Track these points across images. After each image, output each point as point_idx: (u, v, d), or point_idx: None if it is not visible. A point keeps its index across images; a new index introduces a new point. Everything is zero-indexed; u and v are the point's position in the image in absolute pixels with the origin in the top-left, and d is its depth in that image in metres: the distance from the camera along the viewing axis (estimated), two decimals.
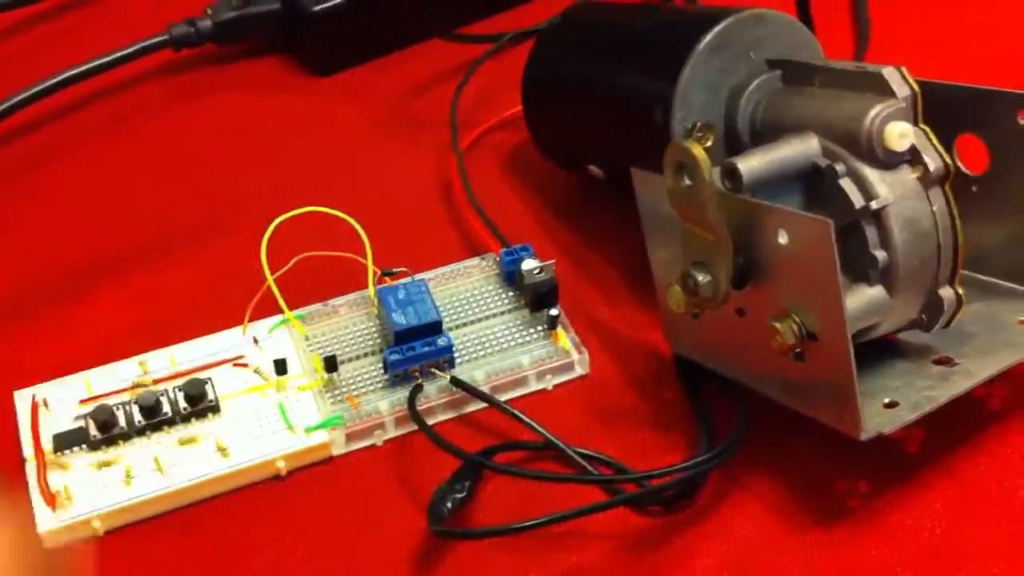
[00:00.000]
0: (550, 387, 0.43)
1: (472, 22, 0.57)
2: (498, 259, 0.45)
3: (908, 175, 0.37)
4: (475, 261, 0.46)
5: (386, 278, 0.44)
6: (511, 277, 0.45)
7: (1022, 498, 0.38)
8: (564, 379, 0.43)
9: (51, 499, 0.39)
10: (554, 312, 0.43)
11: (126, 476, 0.40)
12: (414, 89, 0.55)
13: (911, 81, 0.37)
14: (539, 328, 0.43)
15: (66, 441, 0.41)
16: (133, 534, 0.39)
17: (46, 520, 0.39)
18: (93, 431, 0.41)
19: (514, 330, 0.43)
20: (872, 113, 0.37)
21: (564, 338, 0.43)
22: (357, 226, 0.43)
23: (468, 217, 0.48)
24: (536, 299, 0.43)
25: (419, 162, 0.52)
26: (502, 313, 0.44)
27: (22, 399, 0.42)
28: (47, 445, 0.41)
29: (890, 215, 0.37)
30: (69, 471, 0.40)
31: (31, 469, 0.40)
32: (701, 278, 0.37)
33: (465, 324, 0.44)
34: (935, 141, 0.37)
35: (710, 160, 0.36)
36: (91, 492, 0.39)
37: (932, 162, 0.37)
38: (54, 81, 0.53)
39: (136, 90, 0.56)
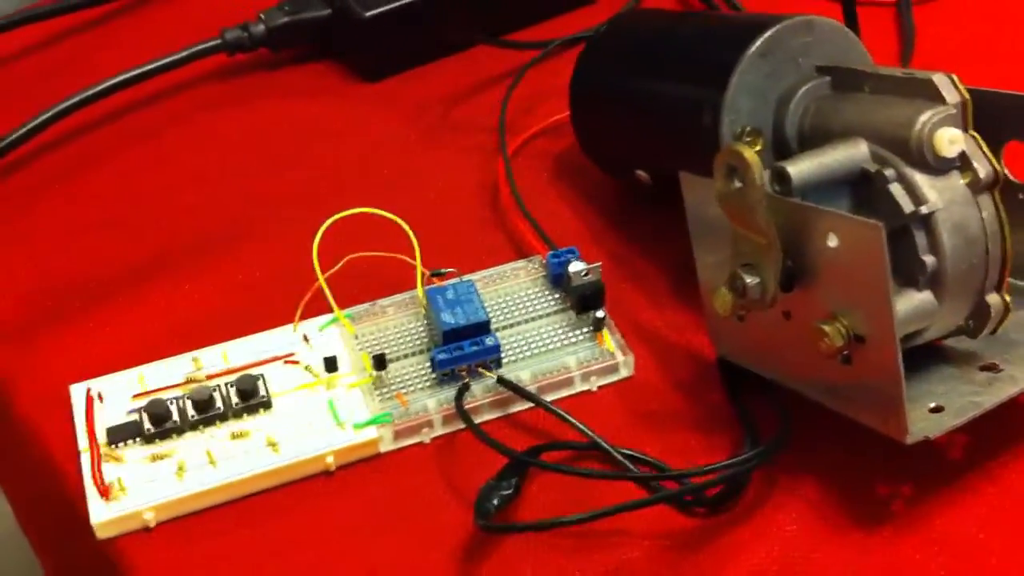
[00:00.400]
0: (595, 388, 0.43)
1: (519, 29, 0.58)
2: (544, 262, 0.46)
3: (958, 181, 0.37)
4: (522, 263, 0.47)
5: (434, 279, 0.45)
6: (557, 279, 0.45)
7: None
8: (609, 380, 0.43)
9: (105, 491, 0.40)
10: (600, 314, 0.43)
11: (178, 469, 0.41)
12: (461, 94, 0.56)
13: (961, 87, 0.37)
14: (585, 330, 0.44)
15: (120, 434, 0.41)
16: (184, 526, 0.40)
17: (99, 511, 0.40)
18: (147, 424, 0.41)
19: (560, 331, 0.44)
20: (922, 119, 0.37)
21: (609, 340, 0.44)
22: (406, 227, 0.44)
23: (515, 220, 0.49)
24: (582, 301, 0.44)
25: (466, 166, 0.52)
26: (548, 315, 0.45)
27: (77, 392, 0.43)
28: (101, 438, 0.41)
29: (939, 221, 0.37)
30: (123, 463, 0.41)
31: (85, 461, 0.41)
32: (749, 280, 0.37)
33: (512, 325, 0.44)
34: (985, 148, 0.38)
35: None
36: (144, 484, 0.40)
37: (982, 168, 0.37)
38: (108, 84, 0.55)
39: (191, 93, 0.57)
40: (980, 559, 0.37)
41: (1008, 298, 0.38)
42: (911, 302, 0.37)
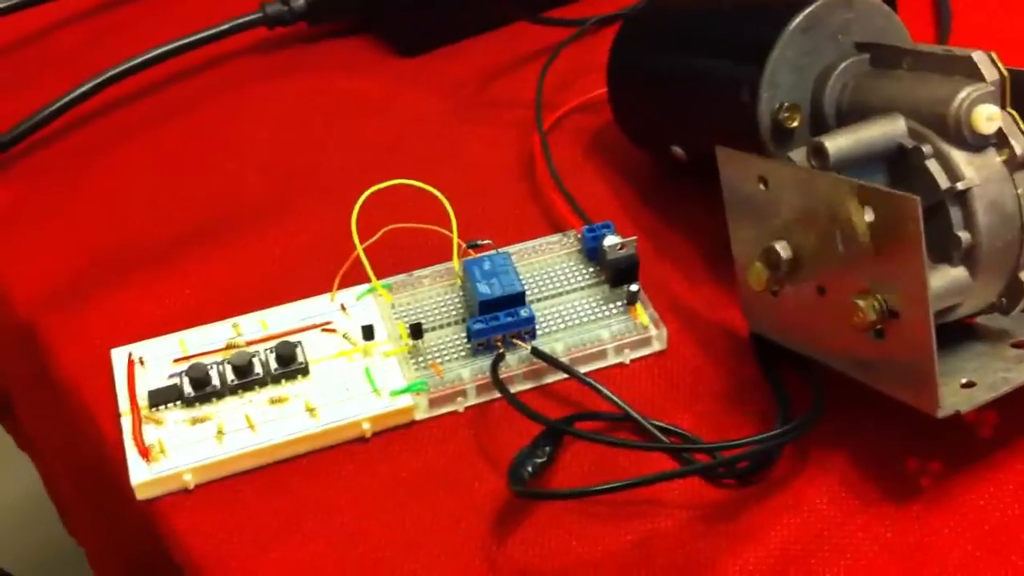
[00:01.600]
0: (628, 361, 0.44)
1: (557, 6, 0.58)
2: (580, 236, 0.46)
3: (994, 158, 0.37)
4: (557, 237, 0.47)
5: (471, 251, 0.45)
6: (592, 253, 0.45)
7: None
8: (642, 354, 0.44)
9: (145, 452, 0.41)
10: (634, 288, 0.44)
11: (218, 432, 0.41)
12: (499, 70, 0.57)
13: (1000, 65, 0.38)
14: (619, 303, 0.44)
15: (161, 397, 0.42)
16: (222, 488, 0.41)
17: (140, 472, 0.40)
18: (187, 388, 0.42)
19: (594, 305, 0.44)
20: (961, 95, 0.37)
21: (643, 314, 0.44)
22: (444, 199, 0.44)
23: (550, 195, 0.49)
24: (617, 275, 0.44)
25: (503, 141, 0.53)
26: (583, 288, 0.45)
27: (119, 356, 0.44)
28: (142, 401, 0.42)
29: (975, 197, 0.37)
30: (163, 426, 0.42)
31: (126, 423, 0.42)
32: (784, 254, 0.38)
33: (546, 298, 0.45)
34: (1022, 125, 0.38)
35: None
36: (184, 447, 0.41)
37: (1019, 146, 0.37)
38: (150, 56, 0.55)
39: (229, 66, 0.58)
40: (1010, 535, 0.38)
41: None
42: (945, 277, 0.37)
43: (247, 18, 0.57)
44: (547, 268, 0.46)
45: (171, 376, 0.43)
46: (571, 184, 0.49)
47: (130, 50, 0.55)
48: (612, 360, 0.43)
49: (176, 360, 0.43)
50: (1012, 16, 0.56)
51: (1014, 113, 0.38)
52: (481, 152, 0.53)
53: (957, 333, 0.39)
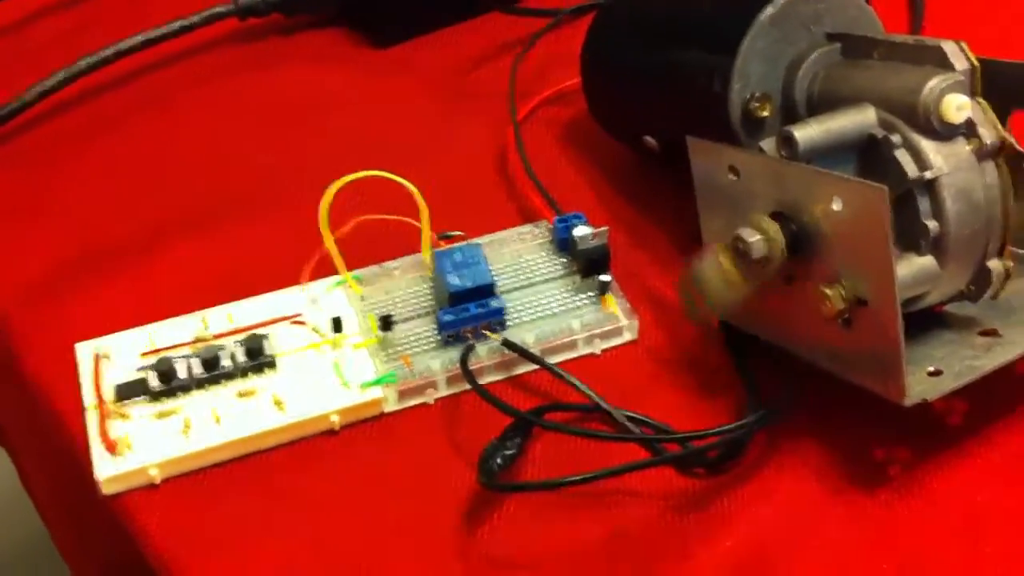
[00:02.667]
0: (599, 352, 0.43)
1: None
2: (551, 226, 0.46)
3: (963, 148, 0.37)
4: (528, 228, 0.47)
5: (441, 242, 0.45)
6: (564, 244, 0.45)
7: None
8: (613, 344, 0.43)
9: (111, 447, 0.40)
10: (605, 278, 0.44)
11: (184, 427, 0.41)
12: (473, 61, 0.56)
13: (970, 55, 0.38)
14: (590, 294, 0.44)
15: (127, 391, 0.42)
16: (189, 483, 0.40)
17: (105, 467, 0.40)
18: (154, 382, 0.42)
19: (565, 295, 0.44)
20: (930, 85, 0.37)
21: (614, 304, 0.44)
22: (414, 190, 0.44)
23: (523, 185, 0.49)
24: (588, 265, 0.44)
25: (476, 131, 0.52)
26: (554, 278, 0.45)
27: (85, 351, 0.43)
28: (108, 395, 0.42)
29: (943, 186, 0.37)
30: (129, 420, 0.41)
31: (92, 418, 0.41)
32: (751, 241, 0.37)
33: (517, 288, 0.44)
34: (991, 115, 0.38)
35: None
36: (150, 441, 0.40)
37: (988, 135, 0.37)
38: (122, 47, 0.55)
39: (202, 58, 0.57)
40: (978, 522, 0.38)
41: (1009, 264, 0.38)
42: (913, 266, 0.37)
43: (218, 9, 0.56)
44: (518, 259, 0.45)
45: (138, 370, 0.42)
46: (544, 174, 0.49)
47: (103, 41, 0.55)
48: (583, 351, 0.43)
49: (143, 354, 0.43)
50: (984, 5, 0.56)
51: (983, 102, 0.38)
52: (454, 143, 0.52)
53: (925, 321, 0.39)
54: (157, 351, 0.43)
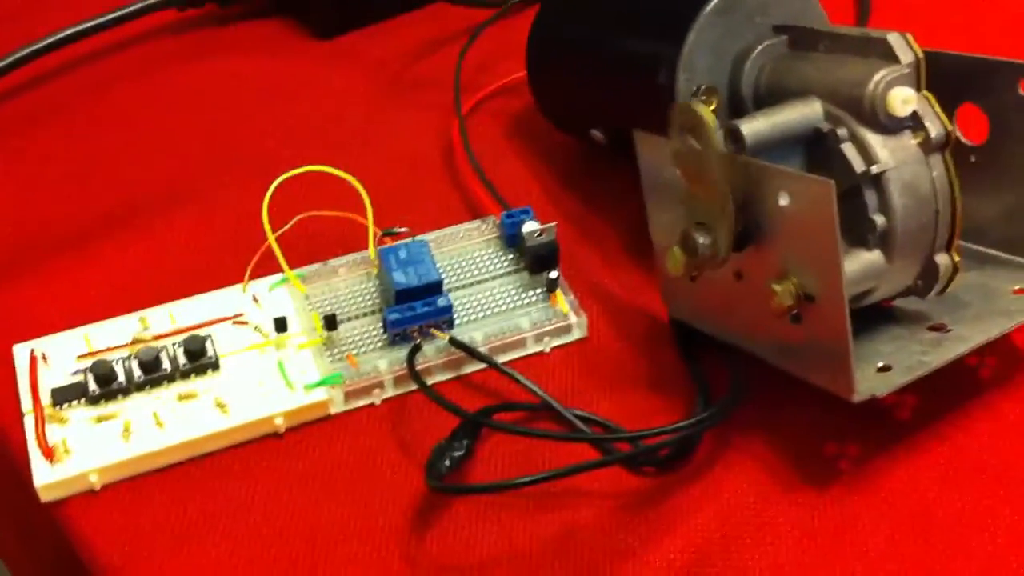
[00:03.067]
0: (548, 349, 0.43)
1: None
2: (499, 222, 0.45)
3: (909, 141, 0.37)
4: (476, 223, 0.46)
5: (387, 238, 0.44)
6: (512, 240, 0.45)
7: (1011, 464, 0.39)
8: (562, 342, 0.43)
9: (49, 452, 0.39)
10: (553, 275, 0.43)
11: (124, 431, 0.40)
12: (417, 52, 0.55)
13: (915, 47, 0.37)
14: (538, 291, 0.44)
15: (65, 395, 0.41)
16: (130, 489, 0.39)
17: (43, 473, 0.39)
18: (92, 385, 0.41)
19: (513, 292, 0.44)
20: (876, 78, 0.37)
21: (563, 301, 0.43)
22: (358, 186, 0.43)
23: (469, 180, 0.48)
24: (536, 261, 0.43)
25: (421, 125, 0.52)
26: (502, 275, 0.44)
27: (21, 353, 0.42)
28: (45, 399, 0.41)
29: (890, 180, 0.37)
30: (67, 425, 0.40)
31: (29, 423, 0.40)
32: (701, 239, 0.37)
33: (465, 286, 0.44)
34: (937, 108, 0.37)
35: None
36: (89, 446, 0.40)
37: (933, 128, 0.37)
38: (57, 38, 0.54)
39: (139, 49, 0.56)
40: (928, 518, 0.38)
41: (957, 258, 0.38)
42: (860, 261, 0.37)
43: None
44: (465, 255, 0.45)
45: (75, 373, 0.41)
46: (491, 169, 0.48)
47: (38, 31, 0.53)
48: (532, 348, 0.43)
49: (80, 356, 0.42)
50: None
51: (929, 95, 0.38)
52: (399, 137, 0.52)
53: (874, 316, 0.39)
54: (95, 353, 0.42)
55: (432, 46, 0.56)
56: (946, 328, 0.39)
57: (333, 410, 0.41)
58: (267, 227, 0.42)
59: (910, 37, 0.38)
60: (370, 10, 0.57)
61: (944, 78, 0.39)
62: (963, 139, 0.41)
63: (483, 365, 0.42)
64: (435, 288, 0.42)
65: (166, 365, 0.41)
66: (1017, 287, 0.40)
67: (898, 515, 0.38)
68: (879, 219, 0.37)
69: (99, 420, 0.40)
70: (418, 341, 0.42)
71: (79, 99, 0.54)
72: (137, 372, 0.41)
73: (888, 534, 0.37)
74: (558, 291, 0.43)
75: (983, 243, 0.42)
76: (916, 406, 0.40)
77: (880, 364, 0.37)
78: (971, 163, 0.41)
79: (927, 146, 0.37)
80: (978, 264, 0.41)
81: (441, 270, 0.43)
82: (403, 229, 0.45)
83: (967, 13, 0.56)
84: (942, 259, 0.38)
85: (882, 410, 0.40)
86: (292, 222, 0.43)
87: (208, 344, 0.42)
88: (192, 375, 0.41)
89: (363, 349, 0.42)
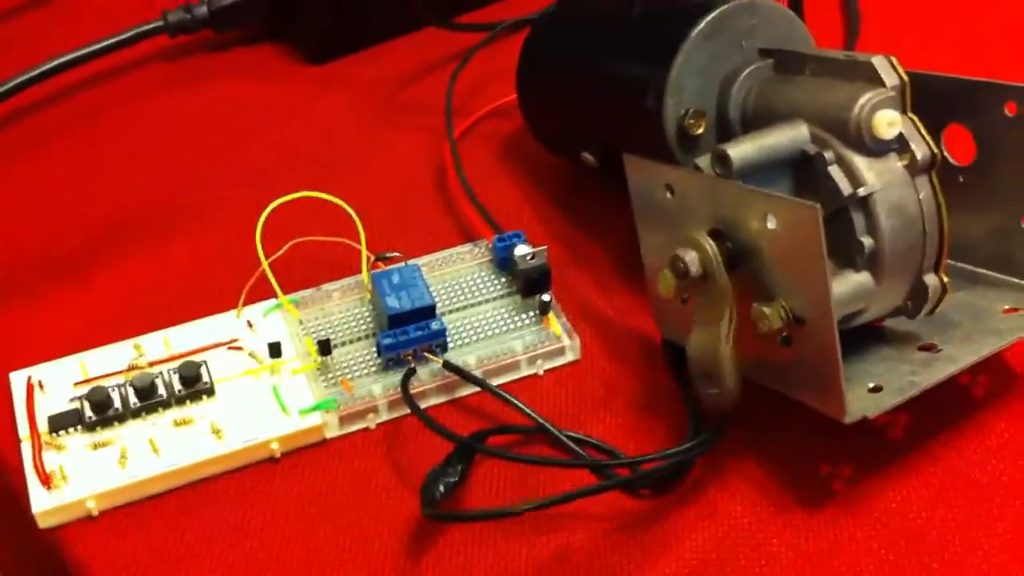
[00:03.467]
0: (541, 372, 0.43)
1: (467, 11, 0.58)
2: (491, 245, 0.46)
3: (895, 163, 0.38)
4: (468, 247, 0.46)
5: (380, 263, 0.45)
6: (504, 263, 0.45)
7: (1004, 483, 0.39)
8: (555, 364, 0.43)
9: (46, 479, 0.39)
10: (546, 298, 0.43)
11: (121, 457, 0.40)
12: (409, 77, 0.56)
13: (900, 70, 0.38)
14: (531, 314, 0.44)
15: (61, 422, 0.41)
16: (127, 515, 0.39)
17: (41, 500, 0.39)
18: (88, 412, 0.41)
19: (506, 315, 0.44)
20: (861, 101, 0.37)
21: (556, 324, 0.44)
22: (351, 211, 0.44)
23: (461, 204, 0.49)
24: (528, 285, 0.44)
25: (413, 149, 0.52)
26: (494, 299, 0.44)
27: (17, 380, 0.42)
28: (42, 426, 0.41)
29: (877, 202, 0.37)
30: (64, 452, 0.40)
31: (27, 449, 0.40)
32: (690, 262, 0.37)
33: (458, 309, 0.44)
34: (923, 130, 0.38)
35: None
36: (86, 473, 0.40)
37: (919, 150, 0.38)
38: (50, 66, 0.54)
39: (132, 75, 0.57)
40: (921, 537, 0.38)
41: (946, 279, 0.38)
42: (849, 283, 0.37)
43: (148, 26, 0.55)
44: (458, 279, 0.45)
45: (71, 400, 0.42)
46: (483, 192, 0.49)
47: (32, 60, 0.54)
48: (525, 371, 0.43)
49: (76, 383, 0.42)
50: (920, 18, 0.57)
51: (915, 118, 0.38)
52: (391, 161, 0.52)
53: (864, 337, 0.40)
54: (90, 380, 0.42)
55: (423, 70, 0.56)
56: (936, 348, 0.39)
57: (328, 435, 0.41)
58: (260, 252, 0.43)
59: (895, 60, 0.38)
60: (361, 35, 0.57)
61: (930, 99, 0.39)
62: (951, 159, 0.42)
63: (477, 388, 0.42)
64: (428, 312, 0.42)
65: (162, 391, 0.41)
66: (1007, 306, 0.40)
67: (892, 535, 0.38)
68: (867, 241, 0.37)
69: (96, 447, 0.40)
70: (412, 365, 0.42)
71: (73, 125, 0.54)
72: (133, 399, 0.41)
73: (882, 554, 0.37)
74: (551, 314, 0.44)
75: (972, 262, 0.42)
76: (908, 425, 0.40)
77: (871, 385, 0.38)
78: (959, 183, 0.41)
79: (913, 168, 0.38)
80: (968, 283, 0.42)
81: (434, 294, 0.43)
82: (396, 254, 0.45)
83: (957, 30, 0.56)
84: (931, 279, 0.38)
85: (875, 430, 0.40)
86: (285, 247, 0.44)
87: (203, 370, 0.42)
88: (187, 401, 0.42)
89: (357, 374, 0.42)
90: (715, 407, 0.37)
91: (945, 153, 0.41)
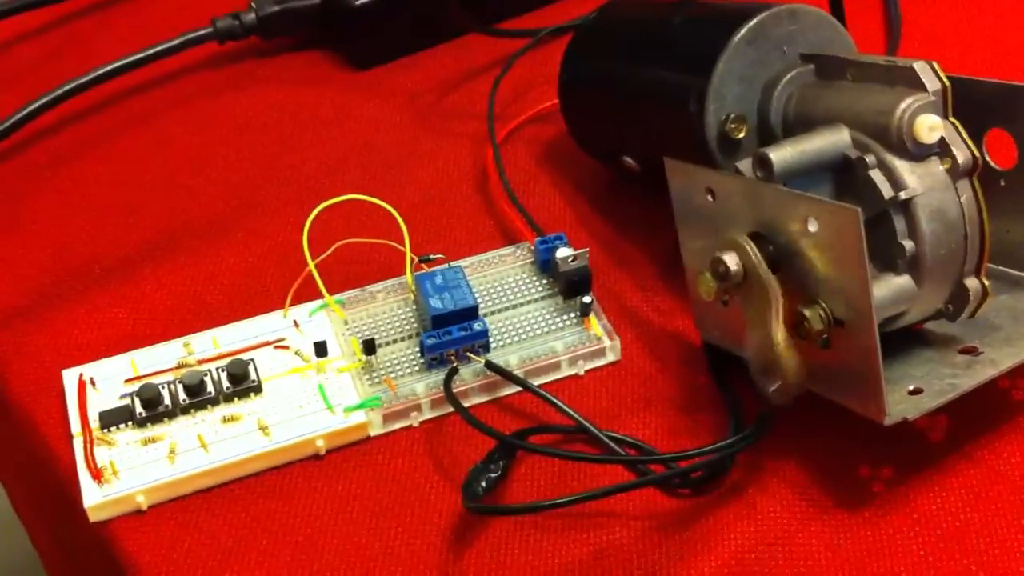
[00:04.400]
0: (582, 372, 0.44)
1: (509, 17, 0.59)
2: (533, 248, 0.46)
3: (937, 167, 0.38)
4: (510, 249, 0.47)
5: (423, 265, 0.45)
6: (545, 265, 0.46)
7: None
8: (596, 365, 0.44)
9: (97, 474, 0.40)
10: (587, 299, 0.44)
11: (170, 453, 0.41)
12: (452, 83, 0.57)
13: (942, 75, 0.38)
14: (572, 315, 0.44)
15: (112, 418, 0.42)
16: (176, 509, 0.40)
17: (92, 494, 0.40)
18: (139, 409, 0.42)
19: (548, 317, 0.44)
20: (903, 106, 0.37)
21: (596, 325, 0.44)
22: (395, 214, 0.44)
23: (503, 207, 0.49)
24: (570, 286, 0.44)
25: (456, 153, 0.53)
26: (536, 300, 0.45)
27: (70, 378, 0.43)
28: (94, 422, 0.42)
29: (918, 206, 0.37)
30: (115, 447, 0.41)
31: (78, 445, 0.41)
32: (731, 265, 0.38)
33: (500, 310, 0.45)
34: (964, 134, 0.38)
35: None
36: (136, 468, 0.41)
37: (961, 154, 0.38)
38: (101, 72, 0.55)
39: (181, 82, 0.58)
40: (960, 540, 0.38)
41: (987, 282, 0.39)
42: (890, 286, 0.37)
43: (197, 33, 0.56)
44: (500, 281, 0.46)
45: (122, 396, 0.43)
46: (524, 196, 0.49)
47: (83, 66, 0.55)
48: (566, 372, 0.43)
49: (127, 380, 0.43)
50: (962, 22, 0.57)
51: (956, 122, 0.38)
52: (435, 165, 0.53)
53: (904, 340, 0.40)
54: (141, 377, 0.43)
55: (466, 76, 0.57)
56: (977, 351, 0.39)
57: (372, 432, 0.42)
58: (307, 254, 0.43)
59: (936, 65, 0.38)
60: (406, 41, 0.58)
61: (972, 104, 0.39)
62: (992, 164, 0.42)
63: (518, 388, 0.42)
64: (471, 313, 0.43)
65: (210, 389, 0.42)
66: None
67: (931, 536, 0.38)
68: (908, 244, 0.37)
69: (146, 442, 0.41)
70: (455, 365, 0.42)
71: (125, 131, 0.55)
72: (182, 396, 0.42)
73: (921, 556, 0.38)
74: (592, 315, 0.44)
75: (1013, 266, 0.42)
76: (948, 428, 0.40)
77: (911, 387, 0.38)
78: (1000, 187, 0.42)
79: (955, 172, 0.38)
80: (1008, 287, 0.42)
81: (477, 295, 0.44)
82: (439, 256, 0.46)
83: (998, 35, 0.56)
84: (972, 283, 0.38)
85: (915, 432, 0.40)
86: (331, 249, 0.45)
87: (251, 368, 0.43)
88: (235, 398, 0.42)
89: (401, 373, 0.43)
90: (780, 401, 0.37)
91: (987, 157, 0.41)
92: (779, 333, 0.36)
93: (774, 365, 0.36)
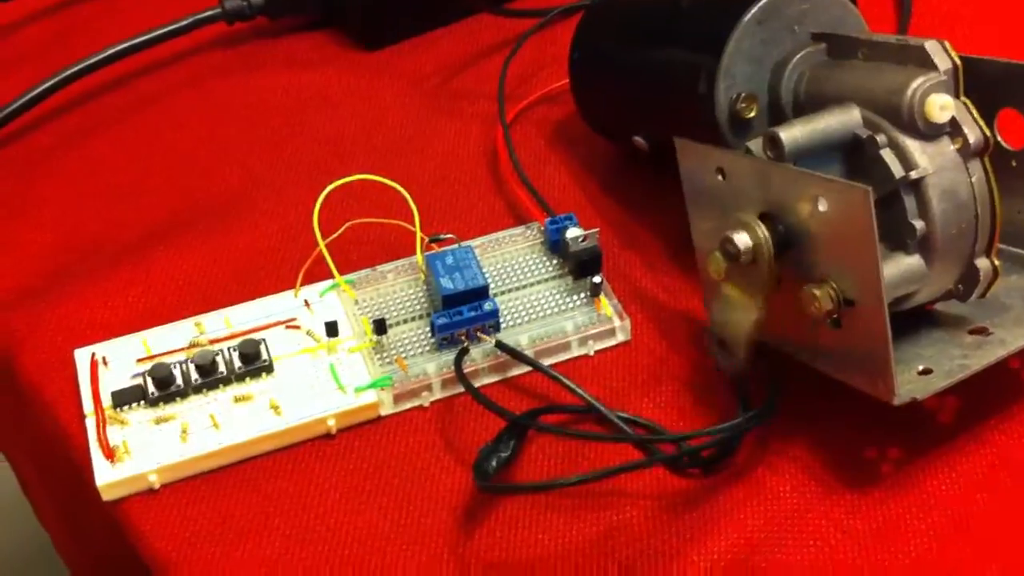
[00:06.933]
0: (592, 352, 0.44)
1: None
2: (543, 228, 0.46)
3: (948, 147, 0.38)
4: (520, 230, 0.47)
5: (433, 245, 0.45)
6: (555, 245, 0.46)
7: None
8: (606, 345, 0.44)
9: (110, 453, 0.41)
10: (597, 279, 0.44)
11: (182, 432, 0.41)
12: (462, 63, 0.56)
13: (953, 54, 0.38)
14: (582, 295, 0.44)
15: (125, 397, 0.42)
16: (188, 488, 0.41)
17: (105, 473, 0.40)
18: (151, 388, 0.42)
19: (558, 297, 0.45)
20: (914, 85, 0.37)
21: (606, 305, 0.44)
22: (406, 194, 0.44)
23: (513, 187, 0.49)
24: (580, 267, 0.44)
25: (466, 133, 0.53)
26: (546, 280, 0.45)
27: (82, 357, 0.44)
28: (106, 401, 0.42)
29: (929, 185, 0.37)
30: (128, 426, 0.42)
31: (91, 424, 0.42)
32: (740, 245, 0.38)
33: (510, 290, 0.45)
34: (975, 114, 0.38)
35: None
36: (148, 447, 0.41)
37: (972, 134, 0.38)
38: (109, 53, 0.55)
39: (189, 62, 0.57)
40: (968, 520, 0.38)
41: (997, 262, 0.39)
42: (900, 266, 0.37)
43: (206, 13, 0.56)
44: (510, 261, 0.46)
45: (134, 376, 0.43)
46: (534, 176, 0.49)
47: (92, 47, 0.55)
48: (576, 352, 0.44)
49: (139, 360, 0.43)
50: (973, 2, 0.57)
51: (967, 101, 0.38)
52: (445, 145, 0.53)
53: (915, 320, 0.40)
54: (153, 357, 0.43)
55: (475, 56, 0.57)
56: (987, 331, 0.39)
57: (383, 412, 0.42)
58: (318, 234, 0.43)
59: (947, 44, 0.38)
60: (415, 22, 0.58)
61: (983, 84, 0.39)
62: (1003, 144, 0.41)
63: (529, 368, 0.43)
64: (481, 293, 0.43)
65: (222, 368, 0.43)
66: None
67: (939, 517, 0.38)
68: (918, 224, 0.37)
69: (158, 422, 0.42)
70: (465, 344, 0.43)
71: (134, 111, 0.55)
72: (194, 375, 0.42)
73: (928, 536, 0.38)
74: (602, 295, 0.44)
75: None
76: (958, 409, 0.41)
77: (921, 367, 0.38)
78: (1012, 167, 0.41)
79: (966, 152, 0.38)
80: (1019, 267, 0.42)
81: (487, 275, 0.44)
82: (449, 236, 0.46)
83: (1010, 14, 0.56)
84: (982, 263, 0.38)
85: (923, 413, 0.40)
86: (342, 229, 0.45)
87: (262, 348, 0.43)
88: (247, 378, 0.43)
89: (412, 353, 0.43)
90: (726, 372, 0.39)
91: (998, 137, 0.41)
92: (756, 327, 0.37)
93: (735, 347, 0.37)
